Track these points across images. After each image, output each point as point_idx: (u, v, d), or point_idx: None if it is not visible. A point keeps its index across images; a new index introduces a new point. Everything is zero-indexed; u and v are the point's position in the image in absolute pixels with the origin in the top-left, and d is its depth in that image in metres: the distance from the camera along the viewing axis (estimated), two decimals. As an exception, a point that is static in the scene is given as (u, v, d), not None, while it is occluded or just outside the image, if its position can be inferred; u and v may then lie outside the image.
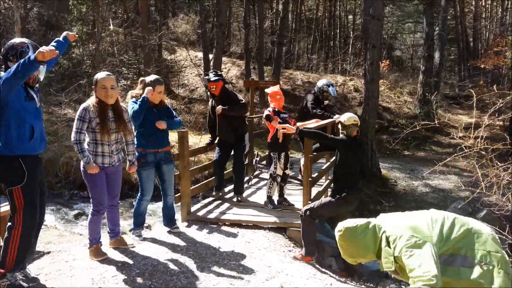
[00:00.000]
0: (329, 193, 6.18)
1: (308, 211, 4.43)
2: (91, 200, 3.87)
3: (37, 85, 3.32)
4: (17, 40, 3.12)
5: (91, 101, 3.77)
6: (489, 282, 2.26)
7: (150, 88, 4.34)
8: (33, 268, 3.66)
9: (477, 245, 2.33)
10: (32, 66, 2.88)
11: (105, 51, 14.84)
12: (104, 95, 3.72)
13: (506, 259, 2.34)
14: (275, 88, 5.51)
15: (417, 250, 2.26)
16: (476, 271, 2.28)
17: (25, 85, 3.15)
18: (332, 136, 4.54)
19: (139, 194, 4.63)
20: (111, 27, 15.59)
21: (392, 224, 2.46)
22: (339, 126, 4.43)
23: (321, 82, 6.96)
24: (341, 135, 4.42)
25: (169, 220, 4.87)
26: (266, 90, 5.70)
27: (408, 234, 2.33)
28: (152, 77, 4.60)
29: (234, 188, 5.95)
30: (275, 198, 5.54)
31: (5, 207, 3.92)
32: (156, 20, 19.69)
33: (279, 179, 5.41)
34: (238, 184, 5.87)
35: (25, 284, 3.24)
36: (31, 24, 15.92)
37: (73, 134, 3.68)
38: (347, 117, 4.37)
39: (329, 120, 6.15)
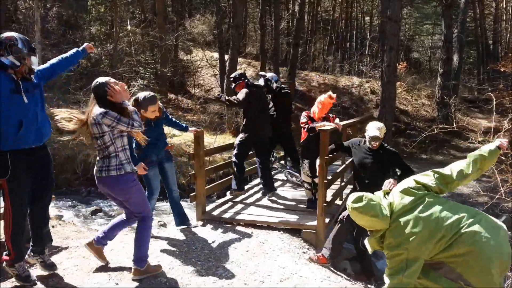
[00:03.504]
0: (343, 196, 6.16)
1: (350, 217, 4.39)
2: (136, 214, 3.51)
3: (32, 76, 3.26)
4: (5, 34, 3.16)
5: None
6: None
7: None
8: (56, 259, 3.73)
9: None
10: None
11: (122, 51, 15.00)
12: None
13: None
14: (324, 98, 5.27)
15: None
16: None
17: (15, 76, 3.13)
18: (405, 163, 4.56)
19: (146, 193, 4.65)
20: (129, 27, 15.76)
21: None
22: (377, 139, 4.44)
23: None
24: (376, 144, 4.44)
25: (181, 218, 4.90)
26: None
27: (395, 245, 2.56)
28: (145, 95, 4.26)
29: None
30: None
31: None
32: (173, 21, 19.83)
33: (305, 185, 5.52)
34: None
35: (33, 275, 3.41)
36: (50, 24, 16.22)
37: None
38: (382, 128, 4.47)
39: (349, 121, 6.10)
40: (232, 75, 5.84)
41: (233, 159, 5.72)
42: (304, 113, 5.35)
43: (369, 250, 2.74)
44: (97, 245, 3.74)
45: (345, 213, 4.48)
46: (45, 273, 3.51)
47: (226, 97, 5.56)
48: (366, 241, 2.75)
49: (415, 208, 2.56)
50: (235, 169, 5.74)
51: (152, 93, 4.30)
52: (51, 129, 3.49)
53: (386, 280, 2.61)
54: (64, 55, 3.63)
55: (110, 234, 3.76)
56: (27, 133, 3.18)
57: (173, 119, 4.86)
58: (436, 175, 2.71)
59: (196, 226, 4.97)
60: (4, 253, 3.32)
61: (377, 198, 2.67)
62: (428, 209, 2.54)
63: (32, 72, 3.25)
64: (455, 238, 2.40)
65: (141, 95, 4.27)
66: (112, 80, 3.32)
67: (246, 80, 5.69)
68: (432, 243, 2.44)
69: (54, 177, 3.54)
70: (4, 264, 3.31)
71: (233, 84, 5.73)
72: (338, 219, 4.54)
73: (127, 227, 3.89)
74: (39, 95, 3.34)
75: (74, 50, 3.70)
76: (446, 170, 2.75)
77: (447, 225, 2.45)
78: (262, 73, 6.45)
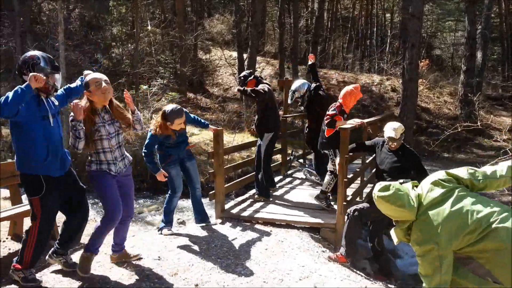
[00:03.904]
0: (364, 195, 6.09)
1: (356, 211, 4.36)
2: (104, 211, 3.54)
3: (54, 94, 3.29)
4: (28, 53, 3.19)
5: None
6: None
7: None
8: (73, 258, 3.81)
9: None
10: (23, 94, 2.88)
11: (143, 51, 15.19)
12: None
13: None
14: (353, 88, 5.21)
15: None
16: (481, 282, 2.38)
17: (38, 96, 3.12)
18: (423, 167, 4.47)
19: (169, 192, 4.73)
20: (149, 27, 15.95)
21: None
22: (394, 140, 4.40)
23: (296, 85, 6.38)
24: (395, 144, 4.40)
25: (202, 216, 4.94)
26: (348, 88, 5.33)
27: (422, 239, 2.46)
28: (172, 108, 4.30)
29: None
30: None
31: (5, 213, 4.10)
32: (192, 21, 19.99)
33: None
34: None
35: (68, 269, 3.52)
36: (73, 25, 16.55)
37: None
38: (398, 127, 4.40)
39: (370, 119, 6.02)
40: (242, 74, 5.83)
41: (263, 165, 5.64)
42: (334, 105, 5.17)
43: (395, 241, 2.64)
44: (115, 254, 3.81)
45: (351, 208, 4.44)
46: (69, 270, 3.59)
47: (249, 89, 5.47)
48: (392, 232, 2.64)
49: (445, 201, 2.47)
50: (264, 176, 5.68)
51: (178, 106, 4.34)
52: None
53: (425, 281, 2.50)
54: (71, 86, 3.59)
55: (118, 239, 3.79)
56: (53, 161, 3.20)
57: (195, 117, 4.89)
58: (469, 170, 2.64)
59: (215, 224, 5.01)
60: (15, 259, 3.36)
61: (405, 188, 2.60)
62: (459, 202, 2.45)
63: (56, 90, 3.28)
64: (486, 232, 2.31)
65: (168, 108, 4.32)
66: (102, 78, 3.36)
67: (257, 77, 5.72)
68: (461, 236, 2.36)
69: (83, 186, 3.59)
70: (11, 271, 3.34)
71: (244, 82, 5.66)
72: (346, 214, 4.50)
73: (127, 227, 3.82)
74: (58, 118, 3.38)
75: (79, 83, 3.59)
76: (480, 169, 2.68)
77: (478, 219, 2.36)
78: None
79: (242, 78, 5.75)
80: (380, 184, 2.63)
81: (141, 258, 3.88)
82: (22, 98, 2.88)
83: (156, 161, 4.44)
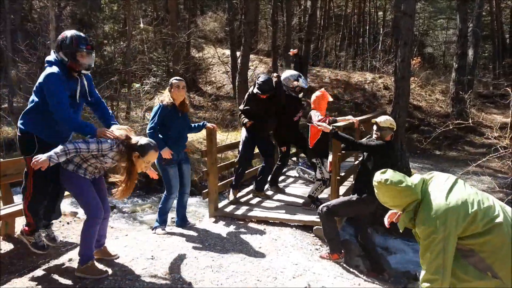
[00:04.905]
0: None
1: (325, 208, 4.37)
2: (84, 211, 3.45)
3: (87, 73, 3.52)
4: (63, 33, 3.44)
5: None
6: None
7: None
8: (64, 259, 3.80)
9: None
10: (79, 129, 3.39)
11: (135, 49, 15.13)
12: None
13: None
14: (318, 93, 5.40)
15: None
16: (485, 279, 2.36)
17: (70, 73, 3.37)
18: (367, 143, 4.41)
19: (165, 192, 4.70)
20: (142, 25, 15.90)
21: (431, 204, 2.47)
22: (374, 126, 4.34)
23: (285, 75, 5.84)
24: (374, 137, 4.34)
25: (182, 222, 4.93)
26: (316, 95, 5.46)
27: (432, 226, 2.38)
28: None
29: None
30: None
31: (6, 210, 4.14)
32: (185, 18, 19.90)
33: (328, 183, 5.33)
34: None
35: (49, 243, 3.75)
36: (64, 23, 16.41)
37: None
38: (384, 119, 4.29)
39: (362, 117, 6.05)
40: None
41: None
42: (315, 112, 5.29)
43: (400, 228, 2.61)
44: (95, 250, 3.63)
45: (320, 207, 4.46)
46: (51, 244, 3.78)
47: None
48: (399, 223, 2.63)
49: (452, 186, 2.48)
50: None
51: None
52: None
53: (425, 267, 2.42)
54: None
55: (97, 235, 3.59)
56: (62, 130, 3.43)
57: (194, 125, 4.90)
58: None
59: (189, 224, 4.97)
60: (23, 224, 3.62)
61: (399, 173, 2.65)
62: (466, 190, 2.47)
63: (89, 68, 3.44)
64: (491, 225, 2.32)
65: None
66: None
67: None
68: (467, 221, 2.34)
69: None
70: (20, 233, 3.60)
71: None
72: (318, 213, 4.50)
73: (106, 223, 3.71)
74: (81, 105, 3.60)
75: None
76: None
77: (485, 208, 2.37)
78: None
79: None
80: (377, 173, 2.65)
81: (119, 257, 3.81)
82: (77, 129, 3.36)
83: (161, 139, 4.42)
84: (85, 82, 3.55)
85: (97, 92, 3.78)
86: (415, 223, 2.51)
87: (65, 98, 3.27)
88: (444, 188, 2.48)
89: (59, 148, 3.05)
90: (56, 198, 3.65)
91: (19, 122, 3.42)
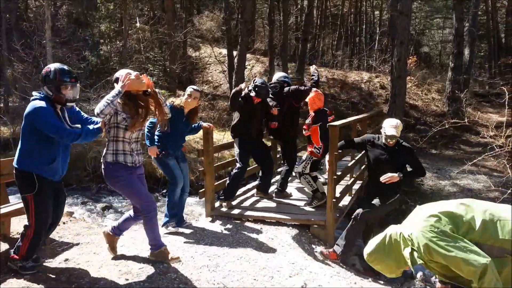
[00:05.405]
0: (352, 192, 6.13)
1: (363, 216, 4.46)
2: (136, 208, 3.71)
3: (72, 105, 3.45)
4: (47, 66, 3.41)
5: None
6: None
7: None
8: (62, 258, 3.79)
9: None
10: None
11: (132, 48, 15.09)
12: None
13: None
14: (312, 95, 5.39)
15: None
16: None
17: (54, 107, 3.31)
18: (418, 160, 4.55)
19: (170, 185, 4.69)
20: (138, 24, 15.85)
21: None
22: (395, 132, 4.42)
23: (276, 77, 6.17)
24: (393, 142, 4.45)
25: (180, 220, 4.90)
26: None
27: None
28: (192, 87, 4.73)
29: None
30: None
31: (5, 209, 4.14)
32: (182, 18, 19.87)
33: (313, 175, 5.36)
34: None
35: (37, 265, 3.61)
36: (60, 22, 16.36)
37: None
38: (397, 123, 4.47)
39: (359, 116, 6.05)
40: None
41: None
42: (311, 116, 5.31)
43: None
44: (112, 234, 3.90)
45: (359, 211, 4.49)
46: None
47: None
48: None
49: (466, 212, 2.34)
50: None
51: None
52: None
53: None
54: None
55: (122, 226, 3.90)
56: (55, 169, 3.39)
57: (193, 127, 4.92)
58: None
59: (186, 223, 4.96)
60: (11, 251, 3.52)
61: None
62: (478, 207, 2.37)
63: (73, 101, 3.40)
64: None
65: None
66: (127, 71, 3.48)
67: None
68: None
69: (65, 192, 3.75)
70: (9, 261, 3.50)
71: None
72: (353, 217, 4.54)
73: (135, 222, 3.95)
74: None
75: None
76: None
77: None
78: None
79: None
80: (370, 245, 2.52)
81: (180, 261, 3.88)
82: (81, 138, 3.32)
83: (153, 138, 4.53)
84: (71, 114, 3.51)
85: (85, 115, 3.67)
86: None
87: (59, 123, 3.26)
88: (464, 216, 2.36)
89: (104, 101, 3.24)
90: (56, 218, 3.63)
91: (15, 162, 3.39)
